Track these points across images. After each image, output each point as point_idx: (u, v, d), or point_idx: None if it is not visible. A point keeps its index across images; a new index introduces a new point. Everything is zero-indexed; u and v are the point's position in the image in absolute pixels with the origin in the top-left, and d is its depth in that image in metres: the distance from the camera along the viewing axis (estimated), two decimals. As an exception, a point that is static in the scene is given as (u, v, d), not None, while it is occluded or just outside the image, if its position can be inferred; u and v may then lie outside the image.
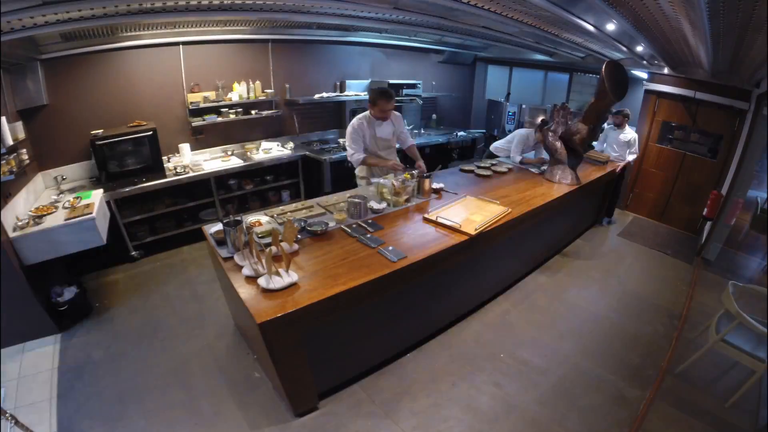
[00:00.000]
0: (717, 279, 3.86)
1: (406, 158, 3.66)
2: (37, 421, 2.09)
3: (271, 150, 4.60)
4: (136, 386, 2.40)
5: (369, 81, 5.48)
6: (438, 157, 5.53)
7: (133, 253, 3.77)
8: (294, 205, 2.91)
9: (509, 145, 4.34)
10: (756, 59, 3.07)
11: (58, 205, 3.00)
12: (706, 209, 4.23)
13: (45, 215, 2.81)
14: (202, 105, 4.17)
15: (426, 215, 2.74)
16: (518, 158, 4.21)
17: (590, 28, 2.95)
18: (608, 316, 3.20)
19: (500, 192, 3.35)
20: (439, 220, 2.64)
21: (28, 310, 2.65)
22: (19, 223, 2.64)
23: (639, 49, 3.85)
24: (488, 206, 2.93)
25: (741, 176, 3.94)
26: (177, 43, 3.92)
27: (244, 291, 1.93)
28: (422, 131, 6.21)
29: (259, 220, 2.54)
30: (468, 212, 2.81)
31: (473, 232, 2.48)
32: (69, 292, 2.90)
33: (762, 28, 2.15)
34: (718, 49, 3.02)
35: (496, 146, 4.55)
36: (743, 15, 2.03)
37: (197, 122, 4.14)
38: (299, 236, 2.41)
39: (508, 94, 6.93)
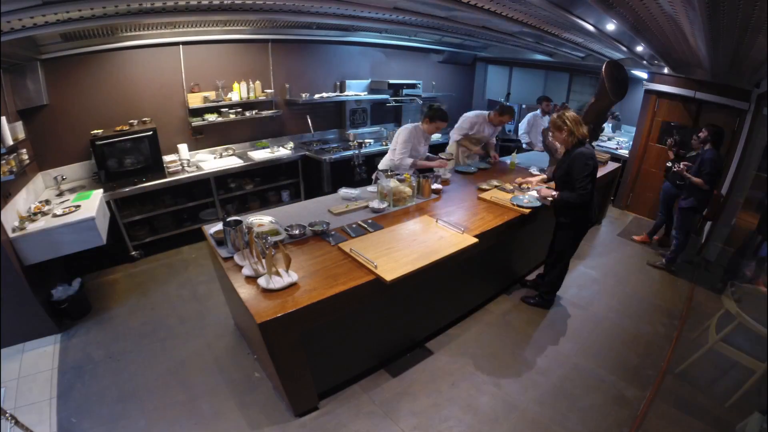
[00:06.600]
0: (717, 279, 3.85)
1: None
2: (37, 421, 2.09)
3: (271, 150, 4.60)
4: (136, 386, 2.40)
5: (369, 81, 5.48)
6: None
7: (133, 253, 3.77)
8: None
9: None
10: (756, 59, 3.07)
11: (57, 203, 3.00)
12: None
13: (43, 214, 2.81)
14: (202, 105, 4.17)
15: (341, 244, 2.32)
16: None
17: (590, 28, 2.95)
18: (608, 316, 3.20)
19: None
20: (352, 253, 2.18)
21: (28, 310, 2.65)
22: (18, 224, 2.64)
23: (639, 49, 3.85)
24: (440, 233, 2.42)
25: (741, 176, 3.94)
26: (177, 43, 3.91)
27: (244, 291, 1.94)
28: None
29: (260, 220, 2.53)
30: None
31: (389, 279, 1.96)
32: (68, 291, 2.90)
33: (762, 28, 2.15)
34: (718, 49, 3.01)
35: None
36: (743, 15, 2.03)
37: (197, 122, 4.14)
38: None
39: (508, 94, 6.92)
